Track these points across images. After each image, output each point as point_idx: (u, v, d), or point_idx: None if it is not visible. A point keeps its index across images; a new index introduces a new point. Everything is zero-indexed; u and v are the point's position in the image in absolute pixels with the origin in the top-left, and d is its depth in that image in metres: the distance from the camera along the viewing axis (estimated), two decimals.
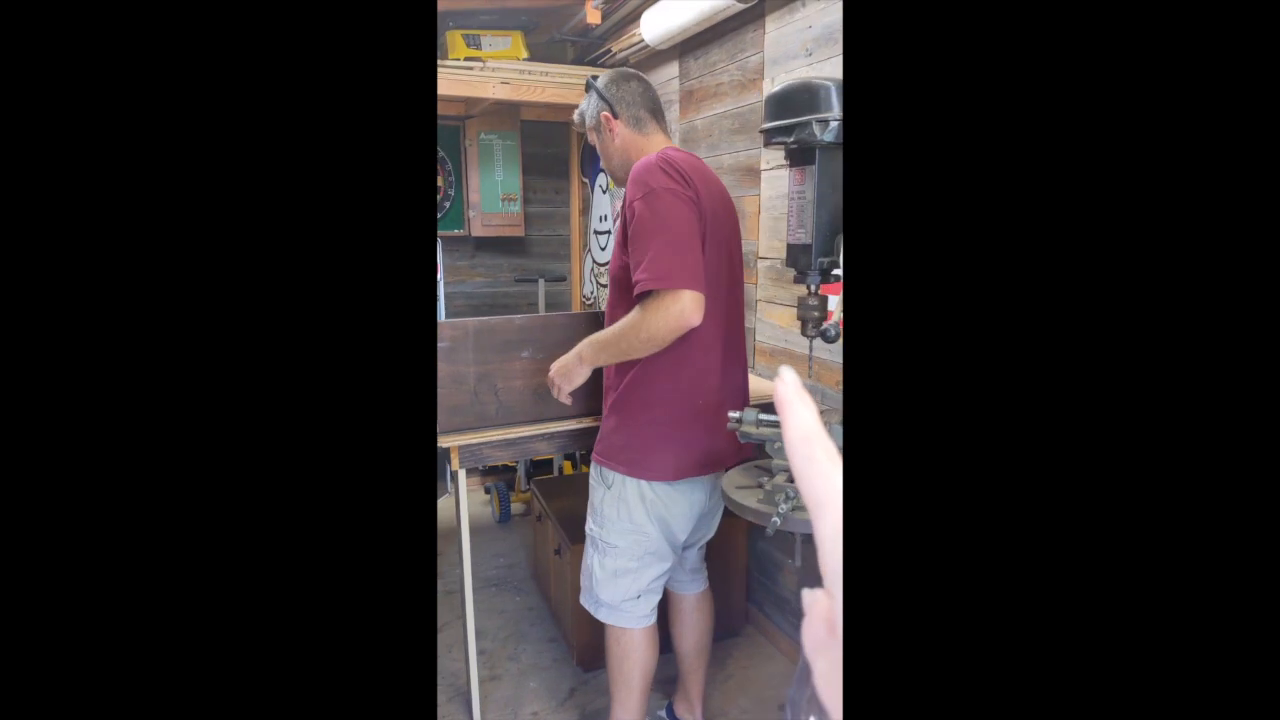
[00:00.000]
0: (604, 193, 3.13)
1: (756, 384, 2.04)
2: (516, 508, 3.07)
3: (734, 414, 1.15)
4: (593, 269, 3.31)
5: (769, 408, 1.20)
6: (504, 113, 3.11)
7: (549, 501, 2.22)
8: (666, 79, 2.53)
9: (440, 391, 1.55)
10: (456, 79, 2.58)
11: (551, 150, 3.38)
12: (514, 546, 2.77)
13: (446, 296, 3.24)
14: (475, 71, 2.60)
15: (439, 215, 3.19)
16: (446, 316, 3.24)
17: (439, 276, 3.16)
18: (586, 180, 3.32)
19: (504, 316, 1.59)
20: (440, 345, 1.53)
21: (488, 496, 3.21)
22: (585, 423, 1.68)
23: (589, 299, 3.40)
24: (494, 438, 1.59)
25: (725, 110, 2.18)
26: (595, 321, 1.66)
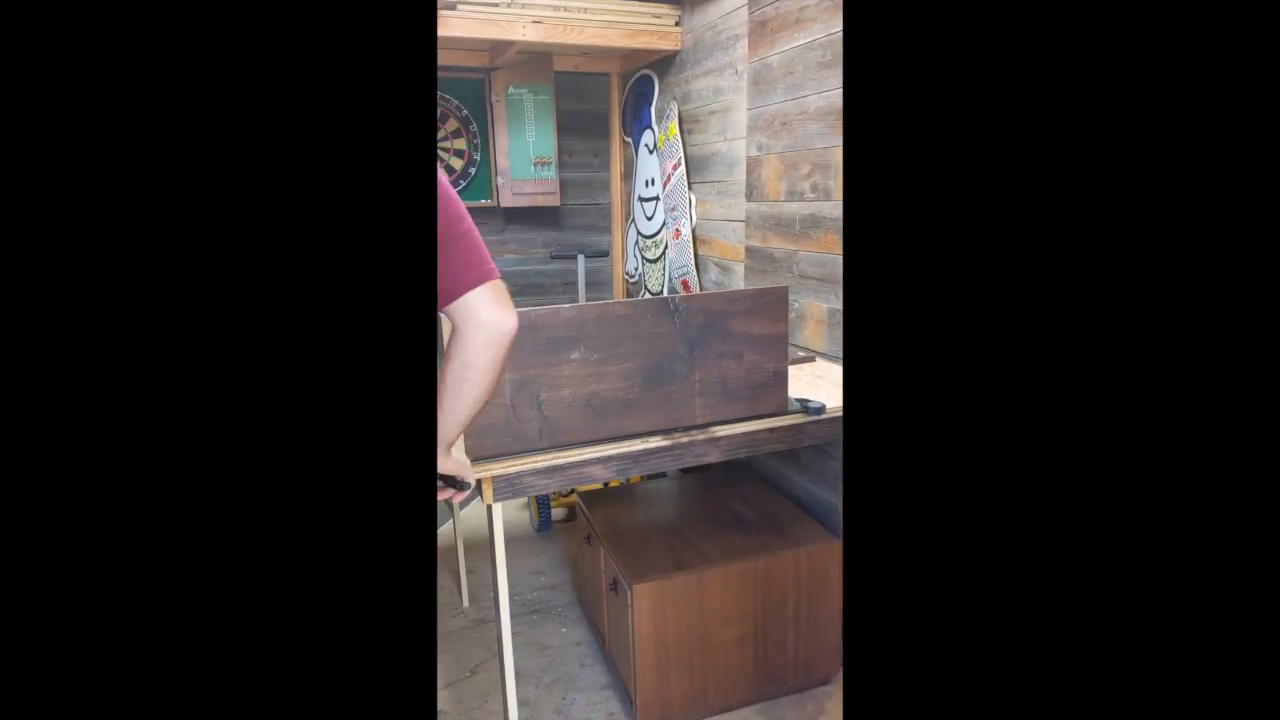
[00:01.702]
0: (650, 153, 2.72)
1: None
2: (557, 513, 2.73)
3: None
4: (637, 241, 2.91)
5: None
6: (535, 63, 2.71)
7: (599, 519, 1.86)
8: (732, 9, 2.10)
9: None
10: (480, 19, 2.18)
11: (588, 106, 2.97)
12: (556, 561, 2.43)
13: None
14: (502, 9, 2.20)
15: (464, 184, 2.81)
16: None
17: None
18: (629, 139, 2.91)
19: (547, 307, 1.21)
20: None
21: (524, 499, 2.88)
22: (651, 442, 1.30)
23: (632, 276, 3.01)
24: (537, 464, 1.23)
25: (811, 40, 1.75)
26: (664, 309, 1.28)
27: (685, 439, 1.32)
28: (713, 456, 1.36)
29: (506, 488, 1.22)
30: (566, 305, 1.23)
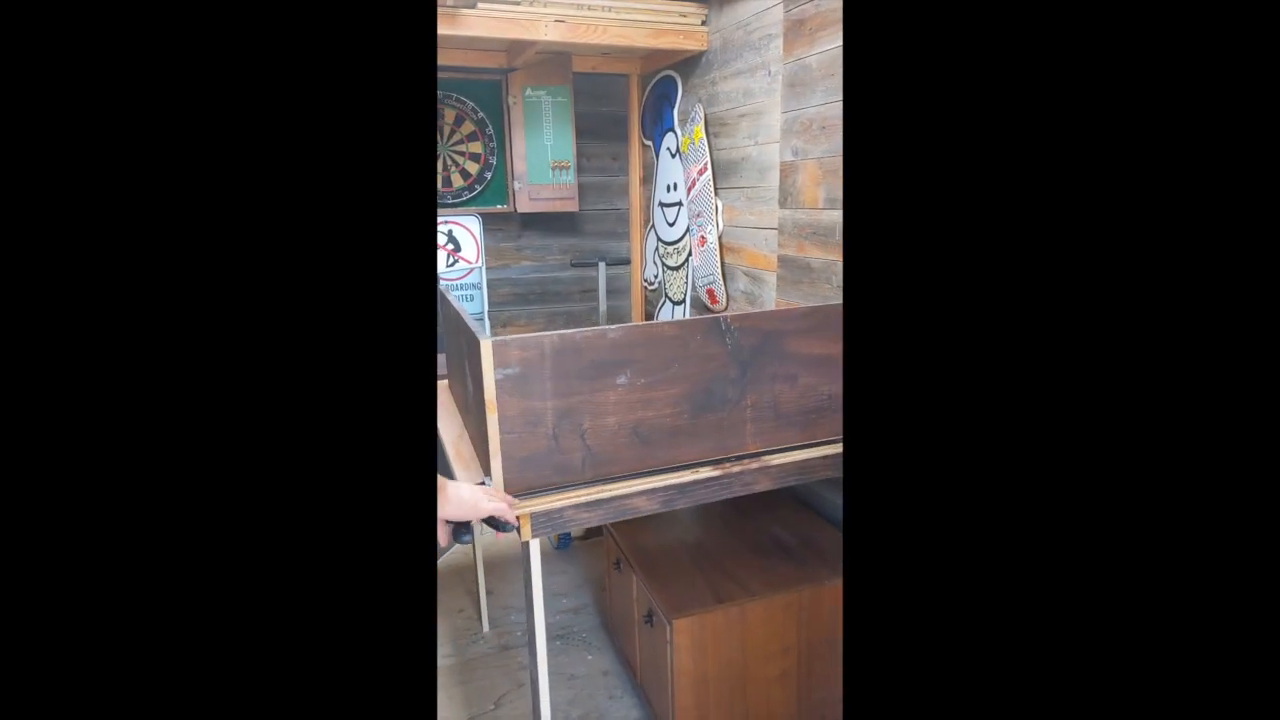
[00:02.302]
0: (673, 156, 2.63)
1: None
2: (576, 529, 2.63)
3: None
4: (657, 248, 2.82)
5: None
6: (553, 64, 2.62)
7: (628, 543, 1.77)
8: (765, 7, 2.01)
9: (508, 437, 1.10)
10: (502, 18, 2.09)
11: (606, 108, 2.88)
12: (578, 583, 2.34)
13: (490, 284, 2.79)
14: (524, 8, 2.10)
15: (479, 188, 2.72)
16: (489, 307, 2.79)
17: (479, 262, 2.71)
18: (649, 142, 2.82)
19: (593, 329, 1.12)
20: (507, 372, 1.07)
21: None
22: (702, 473, 1.21)
23: (651, 283, 2.92)
24: (580, 498, 1.14)
25: None
26: (714, 329, 1.19)
27: (736, 468, 1.22)
28: (762, 485, 1.27)
29: (546, 523, 1.13)
30: (613, 326, 1.14)
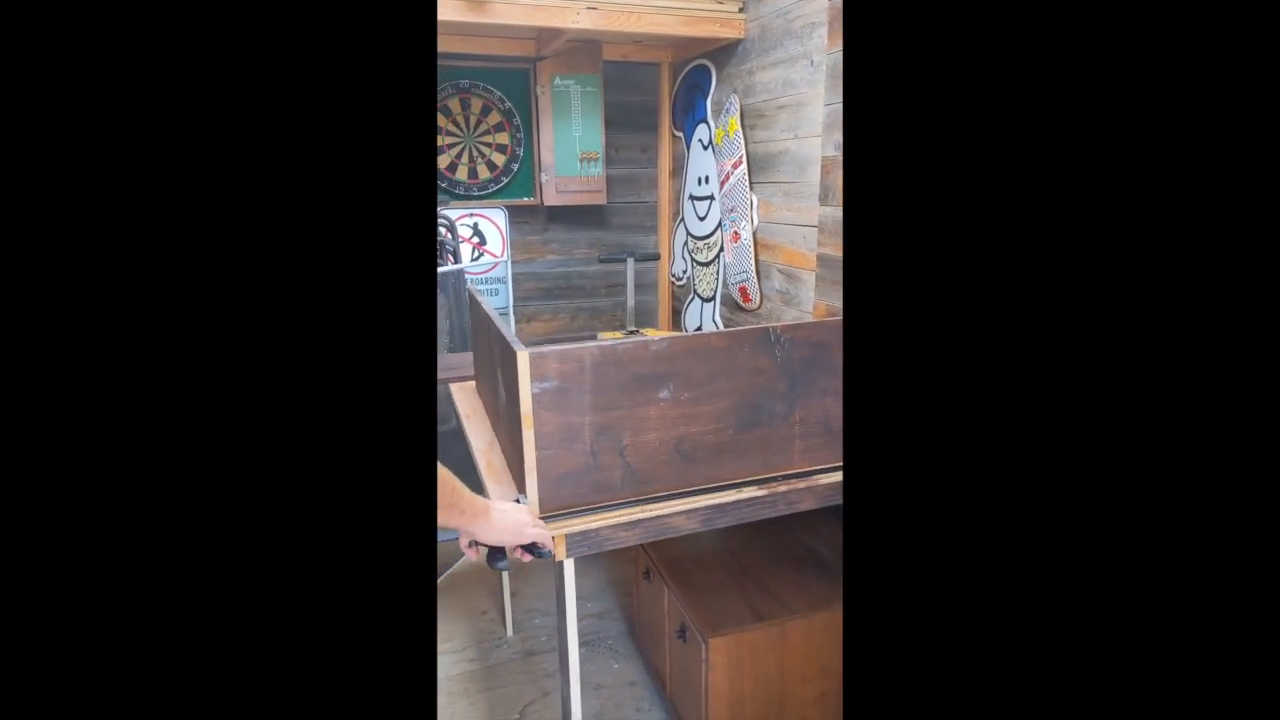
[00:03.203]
0: (705, 149, 2.55)
1: None
2: None
3: None
4: (687, 243, 2.74)
5: None
6: (583, 52, 2.54)
7: (660, 553, 1.71)
8: None
9: (544, 453, 1.04)
10: (531, 5, 2.02)
11: (636, 98, 2.79)
12: (602, 586, 2.29)
13: (515, 278, 2.73)
14: None
15: (506, 180, 2.65)
16: (515, 302, 2.73)
17: (505, 256, 2.65)
18: (680, 133, 2.74)
19: (635, 340, 1.05)
20: (545, 386, 1.01)
21: None
22: (746, 492, 1.14)
23: (679, 279, 2.85)
24: (618, 519, 1.08)
25: None
26: (764, 341, 1.12)
27: (783, 488, 1.16)
28: (808, 505, 1.20)
29: (582, 543, 1.07)
30: (655, 337, 1.08)
